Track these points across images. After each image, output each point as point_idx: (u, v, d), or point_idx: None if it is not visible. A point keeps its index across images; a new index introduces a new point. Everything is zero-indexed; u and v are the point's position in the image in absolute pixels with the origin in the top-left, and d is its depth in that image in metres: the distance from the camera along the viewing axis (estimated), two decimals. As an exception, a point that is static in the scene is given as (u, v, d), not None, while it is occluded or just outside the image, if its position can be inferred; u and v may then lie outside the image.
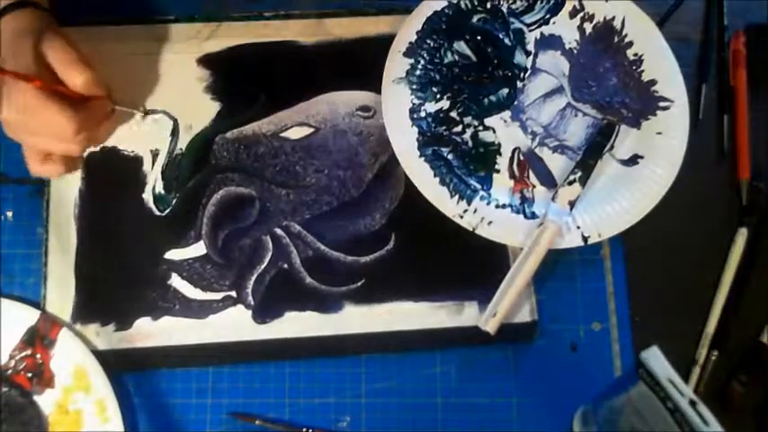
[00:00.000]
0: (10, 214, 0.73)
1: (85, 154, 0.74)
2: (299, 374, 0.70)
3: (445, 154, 0.74)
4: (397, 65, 0.75)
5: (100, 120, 0.71)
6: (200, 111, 0.76)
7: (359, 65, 0.77)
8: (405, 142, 0.73)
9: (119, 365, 0.69)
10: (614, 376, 0.71)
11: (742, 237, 0.75)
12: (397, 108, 0.74)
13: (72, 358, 0.68)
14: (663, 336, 0.61)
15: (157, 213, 0.73)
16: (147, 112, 0.75)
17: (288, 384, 0.70)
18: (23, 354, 0.68)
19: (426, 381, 0.70)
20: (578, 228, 0.72)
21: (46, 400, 0.68)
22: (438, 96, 0.75)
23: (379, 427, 0.69)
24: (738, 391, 0.71)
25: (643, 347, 0.57)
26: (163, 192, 0.73)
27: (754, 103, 0.79)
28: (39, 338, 0.69)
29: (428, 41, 0.76)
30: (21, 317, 0.69)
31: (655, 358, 0.56)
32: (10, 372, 0.68)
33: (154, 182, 0.74)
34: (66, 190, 0.73)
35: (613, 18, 0.78)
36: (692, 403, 0.54)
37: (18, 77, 0.63)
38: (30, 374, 0.68)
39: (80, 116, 0.66)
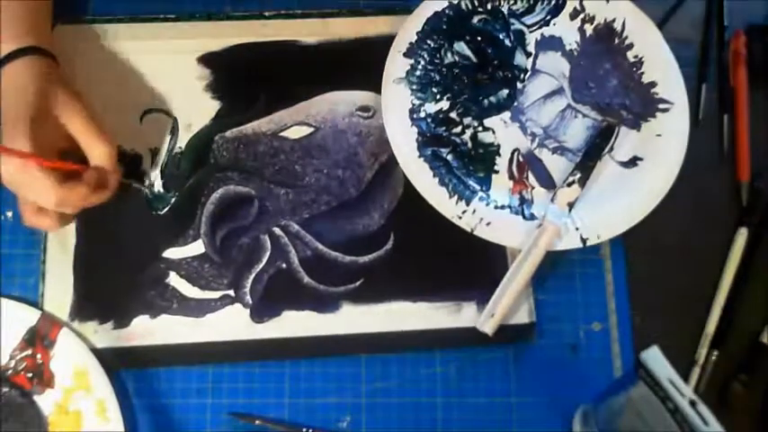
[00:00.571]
0: (10, 214, 0.73)
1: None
2: (299, 374, 0.70)
3: (444, 155, 0.74)
4: (397, 65, 0.75)
5: (93, 189, 0.65)
6: (200, 110, 0.76)
7: (359, 65, 0.77)
8: (404, 143, 0.73)
9: (117, 363, 0.69)
10: (614, 376, 0.71)
11: (742, 237, 0.75)
12: (396, 108, 0.74)
13: (72, 358, 0.68)
14: (663, 336, 0.62)
15: (156, 212, 0.73)
16: (150, 186, 0.73)
17: (288, 384, 0.70)
18: (23, 354, 0.68)
19: (426, 381, 0.70)
20: (577, 229, 0.72)
21: (46, 401, 0.68)
22: (438, 97, 0.75)
23: (379, 427, 0.69)
24: (738, 391, 0.71)
25: (643, 347, 0.57)
26: (162, 190, 0.74)
27: (754, 103, 0.79)
28: (39, 339, 0.69)
29: (428, 42, 0.76)
30: (21, 317, 0.69)
31: (655, 358, 0.56)
32: (10, 372, 0.68)
33: (153, 180, 0.74)
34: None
35: (614, 20, 0.78)
36: (692, 403, 0.54)
37: (12, 154, 0.61)
38: (30, 374, 0.68)
39: (64, 190, 0.63)
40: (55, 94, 0.65)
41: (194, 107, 0.76)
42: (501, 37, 0.78)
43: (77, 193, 0.64)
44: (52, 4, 0.73)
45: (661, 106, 0.76)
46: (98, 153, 0.66)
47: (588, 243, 0.71)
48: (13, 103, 0.64)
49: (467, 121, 0.75)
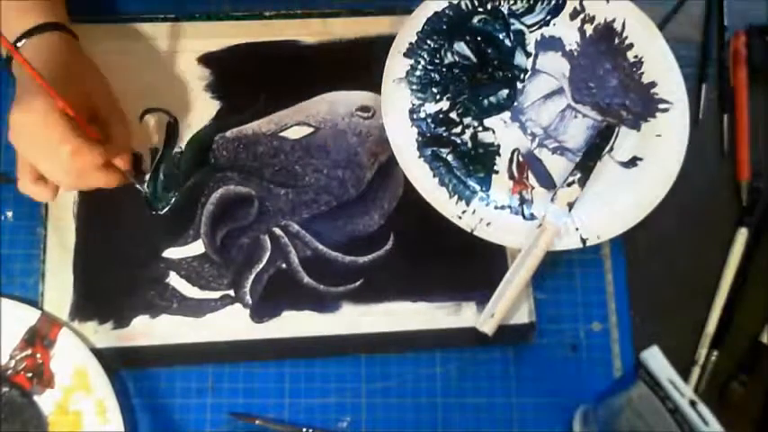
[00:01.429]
0: (10, 214, 0.73)
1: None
2: (299, 374, 0.70)
3: (444, 155, 0.74)
4: (397, 65, 0.75)
5: (106, 163, 0.66)
6: (200, 109, 0.76)
7: (359, 65, 0.77)
8: (404, 143, 0.73)
9: (117, 363, 0.69)
10: (614, 376, 0.71)
11: (742, 237, 0.75)
12: (396, 108, 0.74)
13: (72, 359, 0.68)
14: (663, 336, 0.62)
15: (156, 212, 0.73)
16: (146, 188, 0.73)
17: (288, 384, 0.70)
18: (23, 354, 0.68)
19: (426, 381, 0.70)
20: (577, 229, 0.72)
21: (46, 401, 0.68)
22: (438, 97, 0.75)
23: (379, 427, 0.69)
24: (738, 391, 0.71)
25: (643, 347, 0.57)
26: (162, 190, 0.74)
27: (754, 103, 0.79)
28: (39, 339, 0.69)
29: (428, 42, 0.76)
30: (21, 317, 0.69)
31: (655, 358, 0.56)
32: (10, 372, 0.68)
33: (146, 180, 0.74)
34: (66, 187, 0.73)
35: (614, 20, 0.78)
36: (692, 403, 0.54)
37: (60, 99, 0.60)
38: (30, 374, 0.68)
39: (80, 143, 0.62)
40: (80, 65, 0.66)
41: (194, 107, 0.76)
42: (501, 37, 0.78)
43: (94, 155, 0.63)
44: None
45: (661, 106, 0.76)
46: (118, 129, 0.66)
47: (588, 243, 0.71)
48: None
49: (467, 121, 0.75)
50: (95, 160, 0.63)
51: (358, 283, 0.72)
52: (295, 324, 0.71)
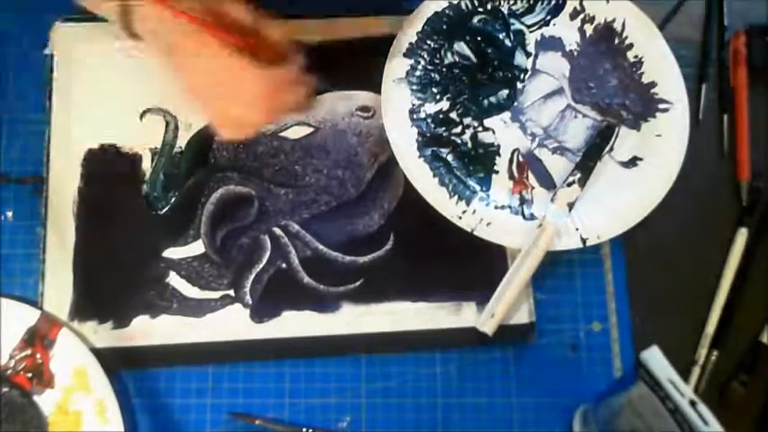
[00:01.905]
0: (10, 214, 0.73)
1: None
2: (299, 374, 0.70)
3: (444, 155, 0.74)
4: (397, 65, 0.75)
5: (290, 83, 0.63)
6: (200, 110, 0.76)
7: (359, 65, 0.77)
8: (404, 143, 0.73)
9: (117, 363, 0.69)
10: (614, 376, 0.71)
11: (742, 237, 0.75)
12: (396, 108, 0.74)
13: (72, 358, 0.68)
14: (663, 336, 0.62)
15: (156, 212, 0.73)
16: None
17: (288, 384, 0.70)
18: (23, 354, 0.68)
19: (426, 381, 0.70)
20: (577, 230, 0.72)
21: (46, 401, 0.68)
22: (438, 97, 0.75)
23: (379, 427, 0.69)
24: (738, 391, 0.71)
25: (643, 347, 0.57)
26: (162, 190, 0.74)
27: (754, 103, 0.79)
28: (39, 338, 0.69)
29: (428, 42, 0.76)
30: (21, 317, 0.69)
31: (655, 358, 0.56)
32: (10, 372, 0.68)
33: (153, 180, 0.74)
34: (66, 187, 0.73)
35: (614, 20, 0.78)
36: (692, 403, 0.54)
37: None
38: (29, 374, 0.68)
39: (271, 72, 0.59)
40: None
41: (194, 107, 0.75)
42: (501, 37, 0.78)
43: (287, 73, 0.60)
44: None
45: (661, 106, 0.76)
46: (279, 32, 0.62)
47: (588, 243, 0.71)
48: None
49: (467, 121, 0.75)
50: (293, 78, 0.61)
51: (358, 283, 0.72)
52: (295, 324, 0.71)
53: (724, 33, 0.81)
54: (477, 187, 0.73)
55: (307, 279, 0.72)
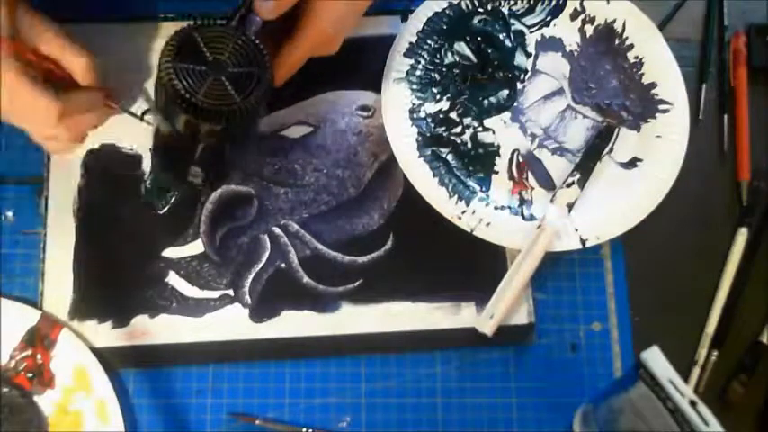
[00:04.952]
0: (10, 214, 0.73)
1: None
2: (299, 374, 0.70)
3: (444, 155, 0.74)
4: (397, 65, 0.75)
5: (87, 110, 0.65)
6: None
7: (359, 65, 0.77)
8: (404, 142, 0.73)
9: (117, 363, 0.69)
10: (614, 376, 0.71)
11: (742, 237, 0.75)
12: (396, 108, 0.74)
13: (72, 359, 0.68)
14: (663, 336, 0.61)
15: (156, 211, 0.73)
16: (143, 115, 0.72)
17: (288, 384, 0.70)
18: (24, 354, 0.68)
19: (426, 381, 0.70)
20: (576, 230, 0.72)
21: (46, 401, 0.68)
22: (438, 97, 0.76)
23: (379, 427, 0.69)
24: (738, 391, 0.71)
25: (643, 347, 0.57)
26: (161, 190, 0.74)
27: (754, 103, 0.79)
28: (39, 339, 0.69)
29: (429, 42, 0.76)
30: (21, 317, 0.69)
31: (655, 358, 0.56)
32: (10, 372, 0.68)
33: (153, 179, 0.74)
34: (66, 187, 0.73)
35: (614, 21, 0.78)
36: (692, 403, 0.54)
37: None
38: (30, 375, 0.68)
39: (63, 99, 0.61)
40: (17, 16, 0.62)
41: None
42: (501, 37, 0.78)
43: (75, 102, 0.62)
44: None
45: (661, 107, 0.76)
46: (79, 63, 0.64)
47: (587, 244, 0.71)
48: None
49: (467, 121, 0.75)
50: (84, 104, 0.63)
51: (357, 283, 0.72)
52: (294, 324, 0.71)
53: (724, 33, 0.81)
54: (477, 187, 0.73)
55: (306, 279, 0.72)
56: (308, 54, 0.65)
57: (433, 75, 0.76)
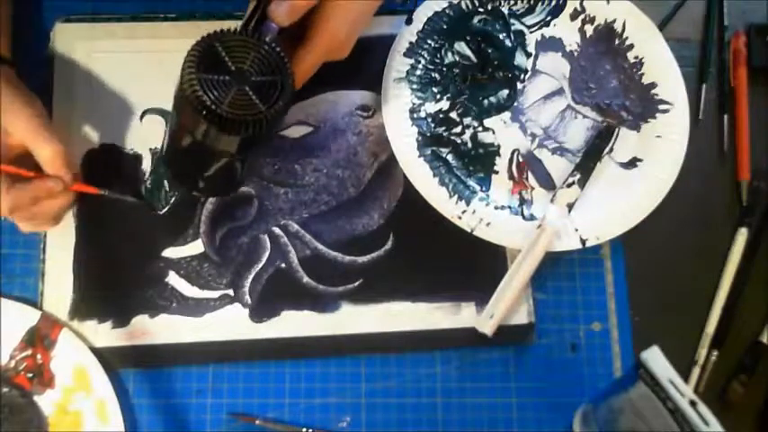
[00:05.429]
0: (10, 214, 0.73)
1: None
2: (299, 374, 0.70)
3: (444, 154, 0.74)
4: (397, 65, 0.75)
5: (45, 192, 0.64)
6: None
7: (359, 65, 0.76)
8: (404, 142, 0.73)
9: (117, 363, 0.69)
10: (614, 376, 0.71)
11: (742, 237, 0.75)
12: (396, 108, 0.74)
13: (72, 359, 0.68)
14: (663, 336, 0.61)
15: (156, 211, 0.73)
16: (104, 194, 0.69)
17: (288, 384, 0.70)
18: (24, 354, 0.68)
19: (426, 381, 0.70)
20: (576, 230, 0.72)
21: (46, 401, 0.68)
22: (438, 97, 0.76)
23: (379, 427, 0.69)
24: (738, 391, 0.71)
25: (643, 347, 0.57)
26: (161, 190, 0.73)
27: (754, 103, 0.79)
28: (39, 339, 0.68)
29: (429, 42, 0.76)
30: (21, 317, 0.69)
31: (655, 358, 0.56)
32: (10, 372, 0.68)
33: (153, 180, 0.74)
34: (66, 187, 0.73)
35: (614, 21, 0.78)
36: (692, 403, 0.54)
37: None
38: (30, 375, 0.68)
39: (13, 192, 0.61)
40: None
41: None
42: (501, 37, 0.78)
43: (27, 195, 0.62)
44: (11, 8, 0.72)
45: (661, 107, 0.76)
46: (45, 154, 0.63)
47: (587, 244, 0.71)
48: None
49: (467, 121, 0.75)
50: (33, 198, 0.63)
51: (357, 283, 0.72)
52: (294, 324, 0.71)
53: (724, 33, 0.81)
54: (477, 187, 0.73)
55: (306, 279, 0.72)
56: (321, 59, 0.65)
57: (433, 74, 0.76)
